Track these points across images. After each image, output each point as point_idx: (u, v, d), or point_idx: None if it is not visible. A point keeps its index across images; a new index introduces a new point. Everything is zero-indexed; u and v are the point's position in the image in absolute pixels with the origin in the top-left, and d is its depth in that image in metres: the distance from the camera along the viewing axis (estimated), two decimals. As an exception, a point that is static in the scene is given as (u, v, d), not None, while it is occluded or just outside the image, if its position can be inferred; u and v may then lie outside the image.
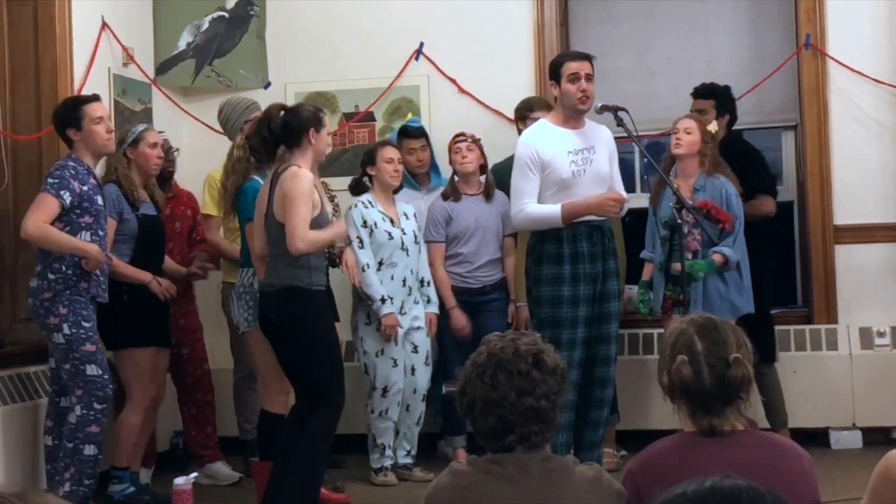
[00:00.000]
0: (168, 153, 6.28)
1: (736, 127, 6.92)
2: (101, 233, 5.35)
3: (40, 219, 5.19)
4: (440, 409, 6.65)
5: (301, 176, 5.06)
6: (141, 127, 5.98)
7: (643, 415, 6.56)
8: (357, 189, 6.37)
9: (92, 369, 5.23)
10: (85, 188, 5.26)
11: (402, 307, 6.25)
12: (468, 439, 6.39)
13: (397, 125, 7.15)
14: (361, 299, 6.25)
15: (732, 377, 2.63)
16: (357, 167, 6.61)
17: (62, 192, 5.19)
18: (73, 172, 5.24)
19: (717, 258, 5.75)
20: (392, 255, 6.23)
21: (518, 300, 6.46)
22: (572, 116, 5.52)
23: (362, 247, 6.17)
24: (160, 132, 6.26)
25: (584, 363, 5.45)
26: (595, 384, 5.49)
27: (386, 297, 6.15)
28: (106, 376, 5.27)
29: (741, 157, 6.38)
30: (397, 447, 6.31)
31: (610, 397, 5.62)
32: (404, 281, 6.25)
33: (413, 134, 6.76)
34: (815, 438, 6.55)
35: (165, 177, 6.31)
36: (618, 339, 5.96)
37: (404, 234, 6.27)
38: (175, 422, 6.68)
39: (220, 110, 6.37)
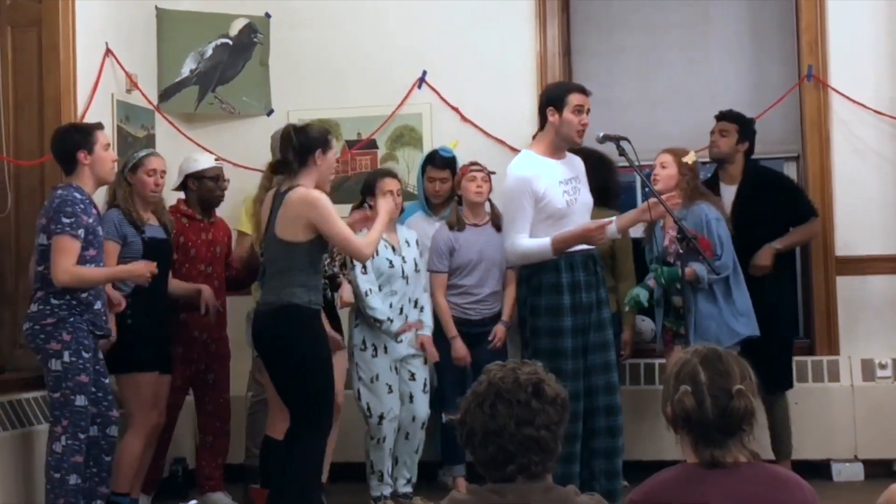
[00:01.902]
0: (219, 181, 6.34)
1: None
2: (100, 263, 5.33)
3: (69, 263, 5.15)
4: (440, 438, 6.62)
5: (316, 199, 5.10)
6: (144, 152, 5.98)
7: (647, 445, 6.53)
8: None
9: (80, 400, 5.18)
10: (90, 220, 5.24)
11: (397, 335, 6.21)
12: (467, 468, 6.37)
13: (400, 153, 7.17)
14: (357, 325, 6.23)
15: (735, 409, 2.62)
16: (359, 195, 6.60)
17: (79, 231, 5.17)
18: (82, 207, 5.20)
19: (687, 271, 5.69)
20: (392, 283, 6.20)
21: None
22: (560, 147, 5.49)
23: (365, 272, 6.14)
24: (217, 159, 6.34)
25: (588, 392, 5.41)
26: (602, 413, 5.42)
27: (392, 318, 6.14)
28: (91, 407, 5.24)
29: (766, 186, 6.41)
30: (397, 475, 6.27)
31: (622, 426, 5.52)
32: (402, 309, 6.23)
33: (439, 164, 6.74)
34: (816, 470, 6.52)
35: (214, 203, 6.38)
36: (620, 368, 5.92)
37: (405, 262, 6.25)
38: (175, 449, 6.65)
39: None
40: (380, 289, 6.18)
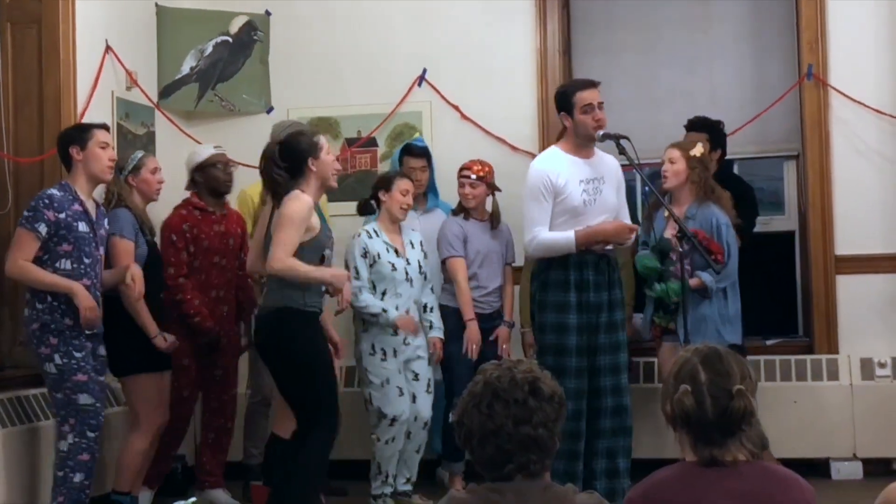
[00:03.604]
0: (224, 167, 6.32)
1: (741, 156, 6.99)
2: (86, 260, 5.27)
3: (20, 257, 5.18)
4: (440, 436, 6.62)
5: (299, 199, 5.12)
6: (140, 153, 5.99)
7: (647, 443, 6.53)
8: (364, 210, 6.35)
9: (84, 398, 5.19)
10: (62, 215, 5.20)
11: (405, 338, 6.20)
12: (466, 465, 6.37)
13: (399, 150, 7.16)
14: (365, 331, 6.19)
15: (735, 408, 2.62)
16: (360, 192, 6.61)
17: (37, 225, 5.16)
18: (47, 202, 5.19)
19: (693, 282, 5.70)
20: (396, 287, 6.16)
21: (523, 325, 6.49)
22: (584, 145, 5.49)
23: (358, 277, 6.10)
24: (217, 147, 6.35)
25: (595, 393, 5.40)
26: (610, 414, 5.42)
27: (386, 308, 6.11)
28: (98, 404, 5.24)
29: (734, 192, 6.36)
30: (397, 474, 6.26)
31: (631, 426, 5.52)
32: (407, 311, 6.19)
33: (416, 153, 6.76)
34: (815, 469, 6.53)
35: (223, 189, 6.34)
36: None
37: (409, 264, 6.22)
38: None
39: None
40: (384, 294, 6.15)
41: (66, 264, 5.23)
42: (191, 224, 6.20)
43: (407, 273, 6.20)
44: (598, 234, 5.37)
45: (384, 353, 6.14)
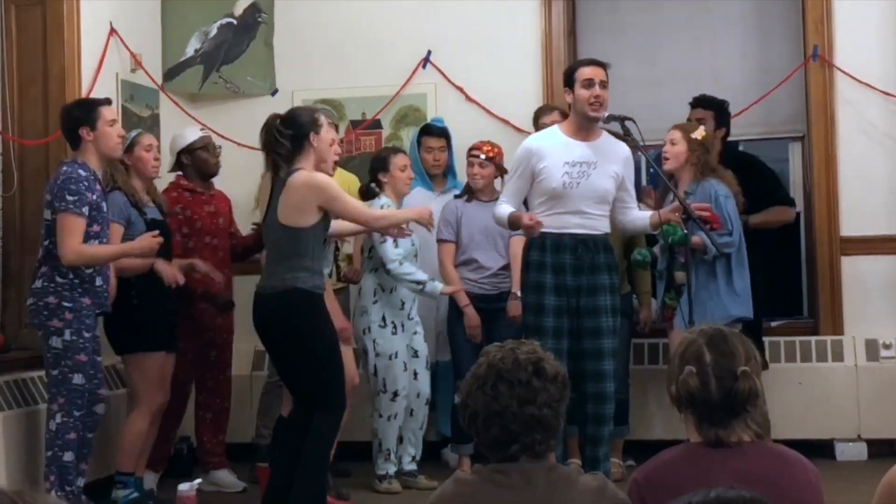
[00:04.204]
0: (210, 149, 6.39)
1: (746, 137, 6.96)
2: (105, 241, 5.32)
3: (76, 242, 5.15)
4: (449, 418, 6.62)
5: (322, 182, 5.08)
6: (134, 132, 5.99)
7: (651, 425, 6.55)
8: (367, 195, 6.35)
9: (78, 378, 5.20)
10: (94, 197, 5.23)
11: (409, 312, 6.26)
12: (476, 447, 6.38)
13: (404, 133, 7.17)
14: (376, 302, 6.20)
15: (740, 390, 2.62)
16: (364, 174, 6.60)
17: (84, 209, 5.16)
18: (86, 184, 5.19)
19: (694, 239, 5.65)
20: (409, 261, 6.22)
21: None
22: (584, 126, 5.45)
23: (397, 246, 6.11)
24: (201, 129, 6.42)
25: (580, 377, 5.37)
26: (589, 400, 5.39)
27: (431, 277, 6.16)
28: (87, 385, 5.24)
29: (746, 171, 6.36)
30: (402, 453, 6.29)
31: (610, 414, 5.48)
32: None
33: (434, 132, 6.77)
34: (820, 450, 6.52)
35: (211, 172, 6.41)
36: (617, 354, 5.85)
37: (414, 244, 6.27)
38: (181, 427, 6.66)
39: None
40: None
41: (93, 244, 5.24)
42: (183, 206, 6.27)
43: (416, 251, 6.25)
44: (516, 221, 5.43)
45: (394, 327, 6.19)
